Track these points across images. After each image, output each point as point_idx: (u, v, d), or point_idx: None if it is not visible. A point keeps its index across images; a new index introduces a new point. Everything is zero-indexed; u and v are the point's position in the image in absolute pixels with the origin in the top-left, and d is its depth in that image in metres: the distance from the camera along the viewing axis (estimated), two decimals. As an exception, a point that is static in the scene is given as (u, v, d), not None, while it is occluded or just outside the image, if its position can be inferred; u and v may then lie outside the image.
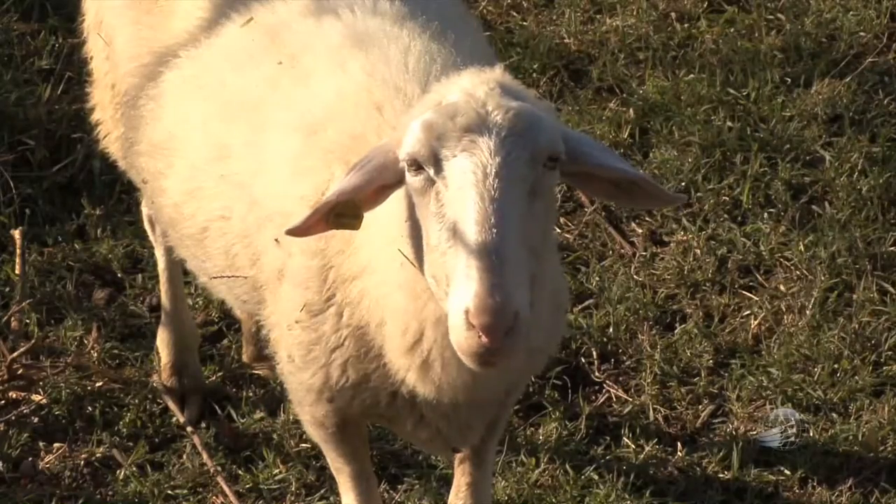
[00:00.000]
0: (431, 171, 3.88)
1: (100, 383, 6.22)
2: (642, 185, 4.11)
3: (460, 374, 4.14)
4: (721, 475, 5.94)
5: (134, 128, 5.23)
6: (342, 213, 4.05)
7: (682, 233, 6.80)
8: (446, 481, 5.68)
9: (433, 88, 4.12)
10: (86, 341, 6.37)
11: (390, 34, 4.62)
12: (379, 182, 4.02)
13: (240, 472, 5.93)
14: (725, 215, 6.87)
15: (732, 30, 7.70)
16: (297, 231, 4.10)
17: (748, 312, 6.52)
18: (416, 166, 3.91)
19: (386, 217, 4.14)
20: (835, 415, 6.15)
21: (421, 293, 4.09)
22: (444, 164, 3.86)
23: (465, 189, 3.80)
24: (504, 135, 3.84)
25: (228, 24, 4.94)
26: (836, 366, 6.26)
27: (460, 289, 3.75)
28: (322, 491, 5.83)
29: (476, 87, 3.94)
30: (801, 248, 6.67)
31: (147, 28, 5.21)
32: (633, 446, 6.01)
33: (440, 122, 3.87)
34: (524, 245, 3.82)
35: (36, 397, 6.12)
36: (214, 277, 4.95)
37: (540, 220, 3.94)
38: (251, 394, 6.22)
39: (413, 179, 3.93)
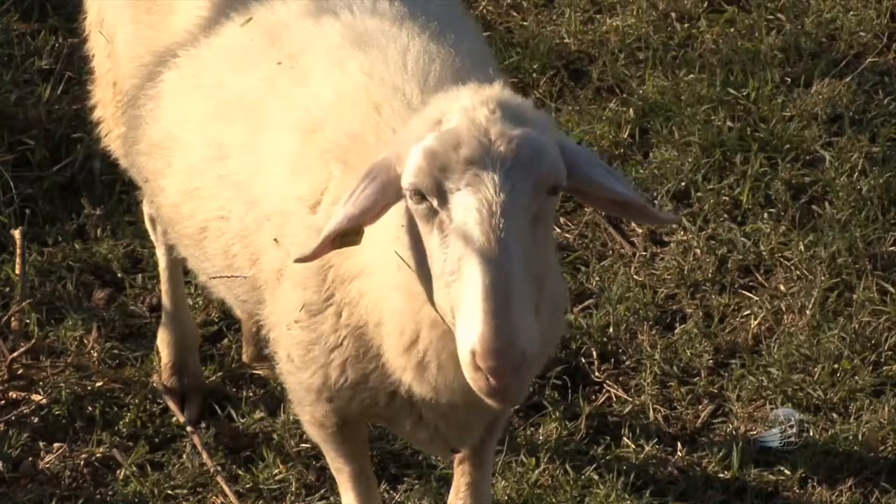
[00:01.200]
0: (435, 203, 3.87)
1: (100, 383, 6.22)
2: (636, 207, 4.11)
3: (457, 377, 4.13)
4: (721, 475, 5.94)
5: (134, 127, 5.24)
6: (346, 232, 4.07)
7: (682, 233, 6.80)
8: (446, 481, 5.68)
9: (432, 102, 4.09)
10: (86, 341, 6.37)
11: (389, 34, 4.61)
12: (383, 203, 4.01)
13: (240, 472, 5.93)
14: (725, 215, 6.87)
15: (732, 30, 7.70)
16: (307, 259, 4.12)
17: (748, 312, 6.52)
18: (420, 195, 3.90)
19: (384, 221, 4.14)
20: (835, 415, 6.15)
21: (417, 295, 4.09)
22: (448, 196, 3.84)
23: (469, 227, 3.78)
24: (508, 167, 3.81)
25: (228, 24, 4.94)
26: (836, 366, 6.26)
27: (466, 328, 3.76)
28: (322, 491, 5.84)
29: (477, 108, 3.90)
30: (801, 248, 6.67)
31: (146, 27, 5.21)
32: (633, 446, 6.01)
33: (443, 153, 3.84)
34: (528, 276, 3.83)
35: (36, 397, 6.13)
36: (214, 277, 4.95)
37: (542, 244, 3.95)
38: (251, 394, 6.22)
39: (416, 207, 3.92)
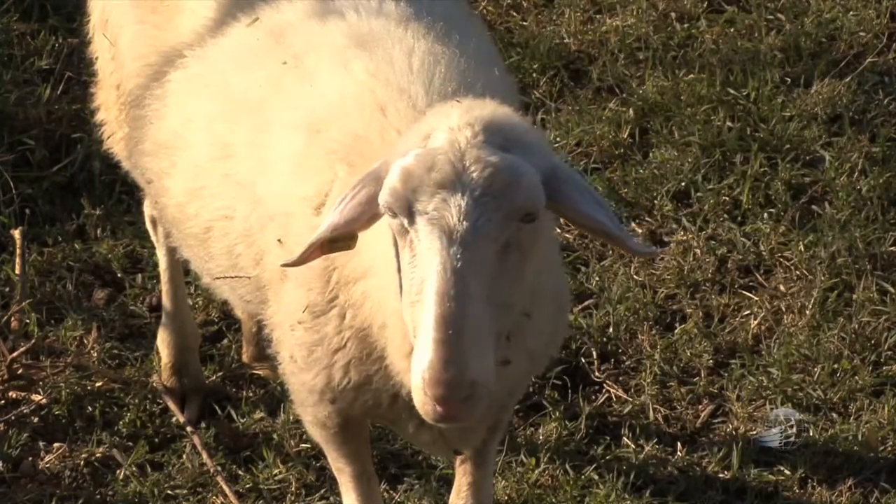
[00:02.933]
0: (405, 222, 3.86)
1: (100, 383, 6.21)
2: (616, 239, 4.09)
3: None
4: (721, 475, 5.94)
5: (139, 127, 5.23)
6: (336, 238, 4.06)
7: (682, 233, 6.80)
8: (446, 481, 5.69)
9: (428, 114, 4.08)
10: (86, 341, 6.36)
11: (394, 35, 4.61)
12: (370, 213, 4.01)
13: (240, 472, 5.93)
14: (725, 215, 6.87)
15: (732, 30, 7.70)
16: (293, 264, 4.12)
17: (748, 312, 6.52)
18: (393, 213, 3.89)
19: (384, 223, 4.14)
20: (835, 415, 6.15)
21: None
22: (416, 218, 3.82)
23: (430, 253, 3.77)
24: (477, 195, 3.78)
25: (234, 24, 4.94)
26: (836, 366, 6.26)
27: (420, 352, 3.77)
28: (322, 491, 5.83)
29: (461, 129, 3.87)
30: (801, 248, 6.67)
31: (152, 27, 5.21)
32: (633, 446, 6.01)
33: (417, 174, 3.82)
34: (491, 306, 3.81)
35: (36, 397, 6.12)
36: (218, 278, 4.95)
37: (514, 271, 3.91)
38: (251, 394, 6.22)
39: (391, 222, 3.92)
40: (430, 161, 3.82)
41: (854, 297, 6.51)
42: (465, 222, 3.76)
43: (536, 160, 3.92)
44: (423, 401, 3.79)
